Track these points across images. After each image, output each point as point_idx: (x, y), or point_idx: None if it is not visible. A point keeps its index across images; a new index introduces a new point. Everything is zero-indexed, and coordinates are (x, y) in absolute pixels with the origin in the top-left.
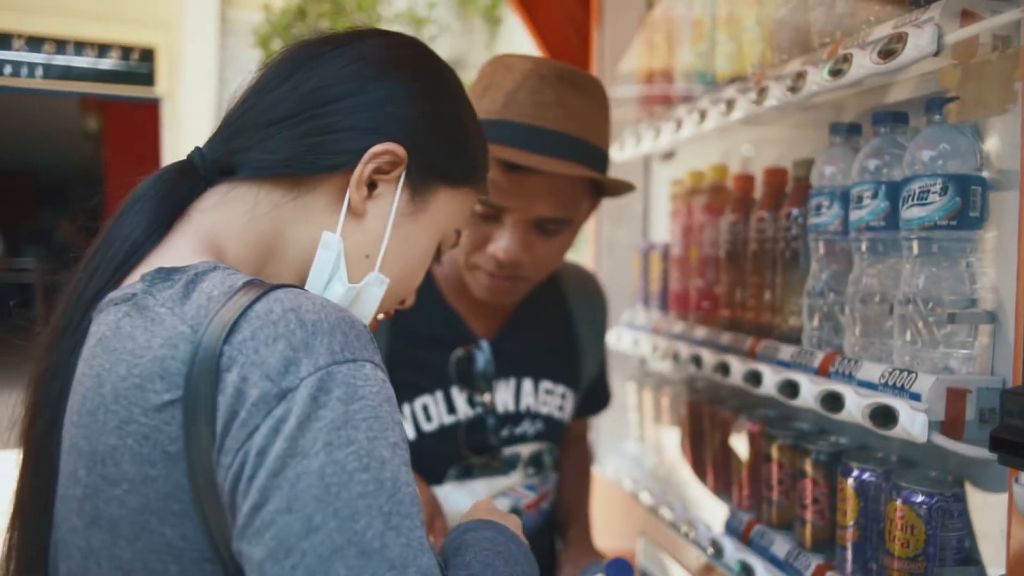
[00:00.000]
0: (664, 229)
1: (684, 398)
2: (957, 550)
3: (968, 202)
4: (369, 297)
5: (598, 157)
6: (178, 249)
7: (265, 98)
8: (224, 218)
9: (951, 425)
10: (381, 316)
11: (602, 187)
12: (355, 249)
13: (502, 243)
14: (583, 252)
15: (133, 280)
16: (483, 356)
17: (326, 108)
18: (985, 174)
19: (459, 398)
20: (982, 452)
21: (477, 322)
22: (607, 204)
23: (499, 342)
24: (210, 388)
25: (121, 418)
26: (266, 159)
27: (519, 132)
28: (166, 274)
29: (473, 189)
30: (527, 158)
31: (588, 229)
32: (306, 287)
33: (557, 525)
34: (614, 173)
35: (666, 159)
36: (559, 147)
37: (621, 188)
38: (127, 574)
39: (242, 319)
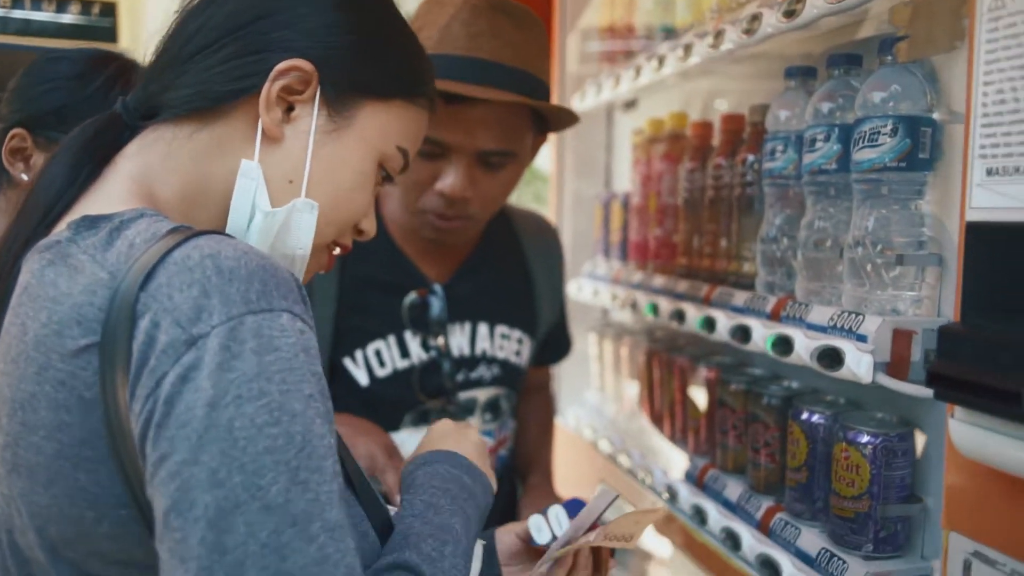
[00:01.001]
0: (626, 179)
1: (643, 347)
2: (900, 488)
3: (918, 143)
4: (301, 225)
5: (536, 86)
6: (107, 196)
7: (181, 37)
8: (147, 161)
9: (896, 366)
10: (338, 251)
11: (546, 122)
12: (277, 176)
13: (448, 180)
14: (546, 206)
15: (60, 229)
16: (437, 300)
17: (234, 35)
18: (935, 115)
19: (412, 342)
20: (924, 391)
21: (430, 266)
22: (571, 157)
23: (453, 286)
24: (126, 334)
25: (40, 364)
26: (179, 96)
27: (455, 64)
28: (91, 222)
29: (409, 103)
30: (464, 88)
31: (552, 182)
32: (229, 219)
33: (518, 472)
34: (578, 124)
35: (628, 109)
36: (496, 76)
37: (564, 118)
38: (44, 521)
39: (160, 265)
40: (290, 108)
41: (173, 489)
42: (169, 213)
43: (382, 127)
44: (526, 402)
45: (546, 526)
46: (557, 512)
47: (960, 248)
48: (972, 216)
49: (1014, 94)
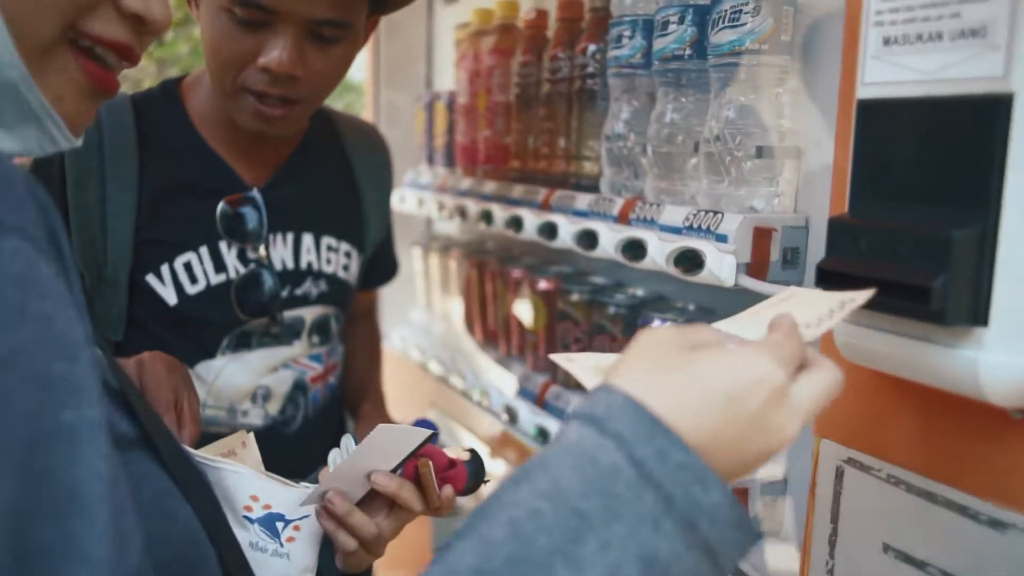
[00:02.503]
0: (450, 79)
1: (473, 260)
2: None
3: (780, 24)
4: None
5: None
6: None
7: None
8: None
9: (756, 267)
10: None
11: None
12: None
13: (275, 52)
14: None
15: None
16: (254, 205)
17: None
18: None
19: (229, 255)
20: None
21: (246, 168)
22: (384, 64)
23: (272, 190)
24: None
25: None
26: None
27: None
28: None
29: None
30: None
31: (367, 90)
32: None
33: (347, 403)
34: (391, 21)
35: (450, 1)
36: None
37: None
38: None
39: None
40: None
41: None
42: None
43: None
44: (351, 328)
45: (341, 458)
46: (347, 442)
47: (837, 136)
48: (865, 93)
49: None
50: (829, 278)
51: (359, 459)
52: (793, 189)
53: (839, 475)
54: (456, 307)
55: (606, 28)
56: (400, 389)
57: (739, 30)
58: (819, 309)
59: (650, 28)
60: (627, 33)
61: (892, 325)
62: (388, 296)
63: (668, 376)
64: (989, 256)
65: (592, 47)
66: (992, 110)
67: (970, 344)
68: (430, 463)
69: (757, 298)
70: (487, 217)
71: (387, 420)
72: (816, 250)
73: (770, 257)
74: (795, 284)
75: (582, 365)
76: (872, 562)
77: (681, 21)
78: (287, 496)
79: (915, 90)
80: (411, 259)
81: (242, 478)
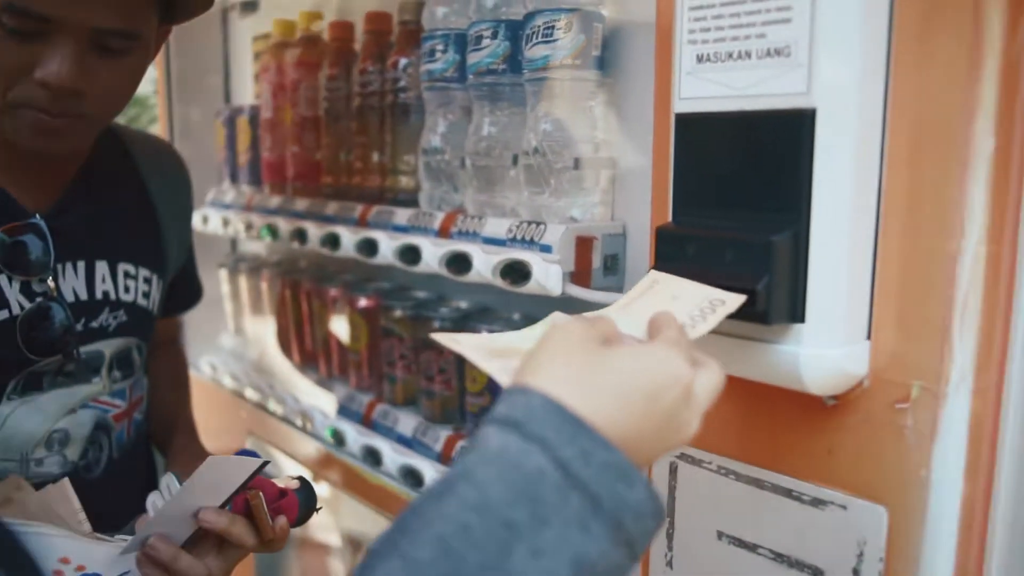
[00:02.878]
0: (250, 92)
1: (286, 279)
2: None
3: (591, 40)
4: None
5: None
6: None
7: None
8: None
9: (580, 275)
10: None
11: (171, 7)
12: None
13: (52, 66)
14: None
15: None
16: (38, 233)
17: None
18: (605, 11)
19: (11, 288)
20: (614, 297)
21: (25, 193)
22: (176, 77)
23: (58, 216)
24: None
25: None
26: None
27: None
28: None
29: None
30: None
31: (160, 104)
32: None
33: (155, 439)
34: (181, 32)
35: (247, 12)
36: None
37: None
38: None
39: None
40: None
41: None
42: None
43: None
44: (155, 359)
45: (162, 500)
46: (169, 481)
47: (655, 148)
48: (682, 107)
49: None
50: None
51: (185, 497)
52: (610, 198)
53: (673, 471)
54: (270, 330)
55: (417, 41)
56: (213, 420)
57: (552, 45)
58: (689, 306)
59: (463, 42)
60: (440, 47)
61: (719, 326)
62: (193, 322)
63: (585, 373)
64: (803, 258)
65: (403, 60)
66: (797, 123)
67: (790, 340)
68: (261, 495)
69: (580, 305)
70: (301, 235)
71: (201, 453)
72: (634, 256)
73: (592, 265)
74: (616, 290)
75: (471, 346)
76: (708, 550)
77: (494, 36)
78: (102, 553)
79: (728, 104)
80: (217, 281)
81: (45, 540)
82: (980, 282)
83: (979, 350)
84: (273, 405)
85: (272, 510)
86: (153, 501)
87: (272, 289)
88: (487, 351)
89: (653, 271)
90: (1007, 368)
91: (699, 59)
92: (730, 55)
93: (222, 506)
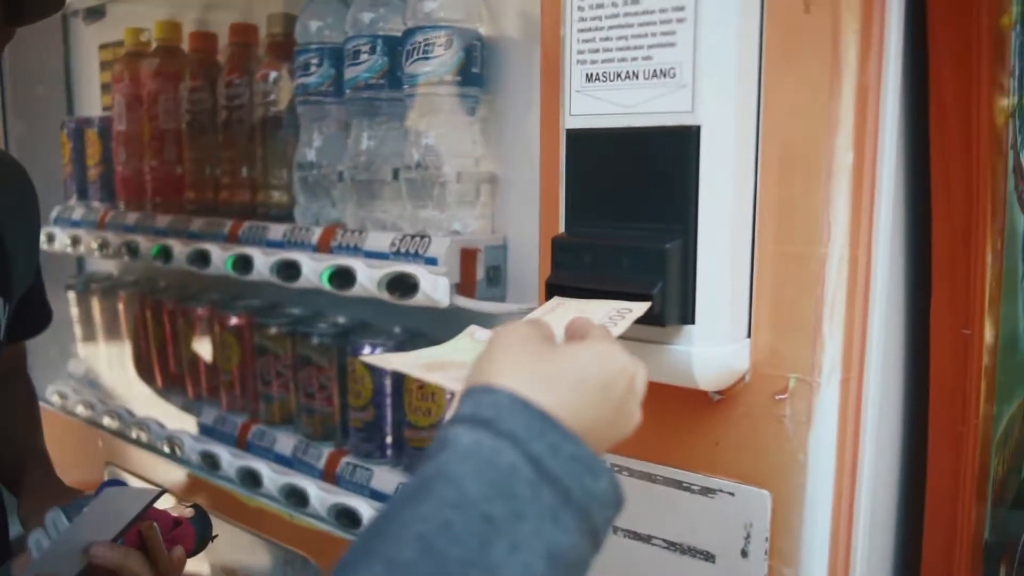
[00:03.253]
0: (96, 104)
1: (147, 300)
2: None
3: (471, 57)
4: None
5: None
6: None
7: None
8: None
9: (464, 287)
10: None
11: (15, 7)
12: None
13: None
14: None
15: None
16: None
17: None
18: (482, 30)
19: None
20: (505, 307)
21: None
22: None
23: None
24: None
25: None
26: None
27: None
28: None
29: None
30: None
31: None
32: None
33: (2, 476)
34: (19, 39)
35: (92, 18)
36: None
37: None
38: None
39: None
40: None
41: None
42: None
43: None
44: (0, 391)
45: (47, 538)
46: (55, 517)
47: (546, 160)
48: (573, 123)
49: None
50: (558, 292)
51: (74, 533)
52: (490, 211)
53: None
54: (128, 353)
55: (287, 54)
56: (67, 452)
57: (432, 62)
58: (599, 315)
59: (339, 57)
60: (315, 61)
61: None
62: (36, 349)
63: (542, 370)
64: (692, 264)
65: (273, 74)
66: (684, 140)
67: (682, 341)
68: (156, 526)
69: (462, 318)
70: (165, 253)
71: (60, 487)
72: (515, 268)
73: (476, 276)
74: (498, 300)
75: (404, 364)
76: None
77: (373, 51)
78: None
79: (618, 121)
80: (65, 304)
81: None
82: (844, 282)
83: (845, 343)
84: (136, 433)
85: (167, 541)
86: (37, 540)
87: (130, 310)
88: (423, 366)
89: (556, 296)
90: (867, 358)
91: (588, 78)
92: (619, 75)
93: (114, 540)
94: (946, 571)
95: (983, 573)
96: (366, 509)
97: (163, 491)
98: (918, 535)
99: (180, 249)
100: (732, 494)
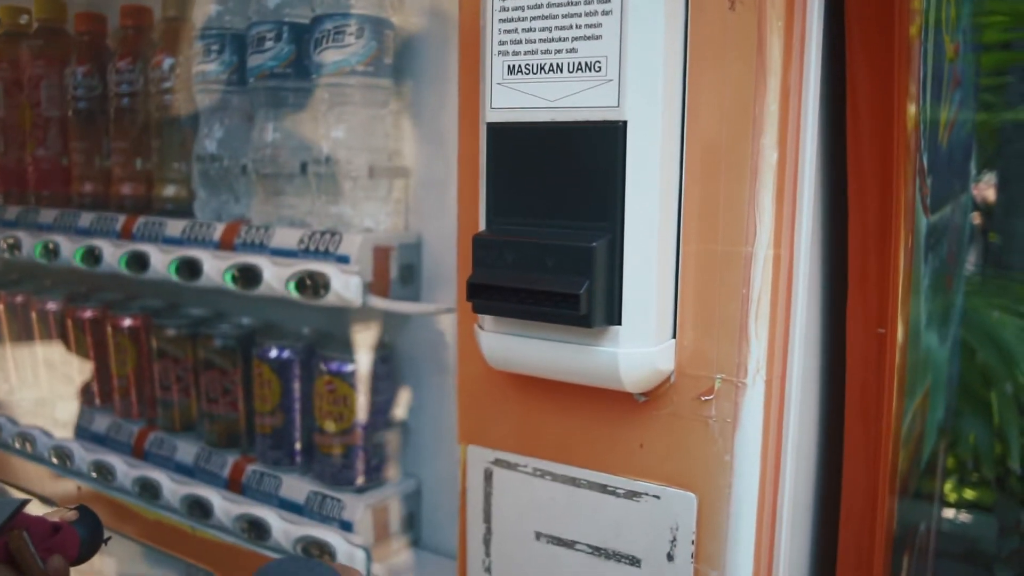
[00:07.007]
0: None
1: (30, 301)
2: (386, 412)
3: (383, 48)
4: None
5: None
6: None
7: None
8: None
9: (378, 286)
10: None
11: None
12: None
13: None
14: None
15: None
16: None
17: None
18: (395, 19)
19: None
20: (420, 307)
21: None
22: None
23: None
24: None
25: None
26: None
27: None
28: None
29: None
30: None
31: None
32: None
33: None
34: None
35: None
36: None
37: None
38: None
39: None
40: None
41: None
42: None
43: None
44: None
45: None
46: None
47: (464, 155)
48: (494, 117)
49: None
50: (480, 292)
51: None
52: (403, 208)
53: (488, 477)
54: (8, 358)
55: (185, 39)
56: None
57: (343, 51)
58: None
59: (242, 43)
60: (215, 47)
61: (538, 331)
62: None
63: None
64: (619, 263)
65: (169, 60)
66: (610, 135)
67: (609, 342)
68: (25, 534)
69: (371, 319)
70: (51, 251)
71: None
72: (429, 266)
73: (390, 275)
74: (412, 299)
75: None
76: (526, 551)
77: (278, 38)
78: None
79: (541, 116)
80: None
81: None
82: (770, 282)
83: (769, 343)
84: (19, 443)
85: (44, 550)
86: None
87: (11, 312)
88: None
89: None
90: (789, 358)
91: (510, 70)
92: (542, 68)
93: None
94: (861, 566)
95: (891, 565)
96: (275, 519)
97: (26, 502)
98: (834, 532)
99: (68, 246)
100: (658, 497)
